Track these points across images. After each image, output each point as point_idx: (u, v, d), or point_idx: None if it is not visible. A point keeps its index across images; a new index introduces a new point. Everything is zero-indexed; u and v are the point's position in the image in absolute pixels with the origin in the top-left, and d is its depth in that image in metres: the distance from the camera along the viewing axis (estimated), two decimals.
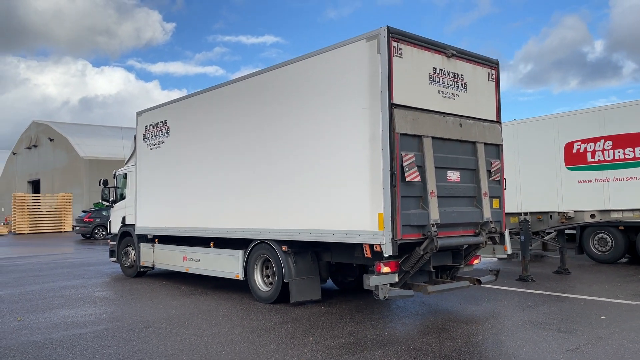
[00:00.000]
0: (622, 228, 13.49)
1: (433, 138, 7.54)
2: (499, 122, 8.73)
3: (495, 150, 8.56)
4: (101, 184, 14.22)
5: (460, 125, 7.98)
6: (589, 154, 14.09)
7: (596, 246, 14.02)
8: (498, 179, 8.52)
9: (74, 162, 44.79)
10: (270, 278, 9.25)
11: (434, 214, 7.34)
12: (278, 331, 7.27)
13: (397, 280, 7.53)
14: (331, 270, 9.65)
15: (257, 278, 9.34)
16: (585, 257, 14.53)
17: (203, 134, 10.42)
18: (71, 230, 37.35)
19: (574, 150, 14.36)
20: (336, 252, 8.78)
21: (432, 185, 7.39)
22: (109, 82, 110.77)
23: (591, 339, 6.56)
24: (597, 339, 6.52)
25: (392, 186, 7.00)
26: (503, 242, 8.70)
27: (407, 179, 7.11)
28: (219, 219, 9.94)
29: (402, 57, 7.30)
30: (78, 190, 43.13)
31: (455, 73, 8.05)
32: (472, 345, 6.38)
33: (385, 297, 7.24)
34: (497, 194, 8.49)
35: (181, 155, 11.06)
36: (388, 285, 7.34)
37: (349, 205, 7.58)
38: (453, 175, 7.85)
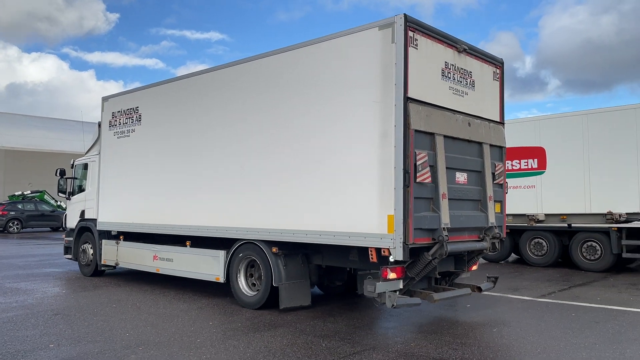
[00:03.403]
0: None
1: (444, 137, 7.10)
2: (502, 123, 8.41)
3: (499, 152, 8.23)
4: (57, 174, 13.01)
5: (469, 124, 7.58)
6: None
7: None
8: (501, 182, 8.20)
9: None
10: (255, 281, 8.56)
11: (445, 218, 6.90)
12: (182, 317, 7.79)
13: (401, 287, 7.04)
14: (319, 274, 9.06)
15: (242, 281, 8.62)
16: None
17: (183, 123, 9.59)
18: None
19: None
20: (328, 254, 8.21)
21: (443, 187, 6.95)
22: (41, 69, 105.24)
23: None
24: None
25: (405, 186, 6.50)
26: (500, 249, 8.37)
27: (418, 180, 6.63)
28: (198, 216, 9.15)
29: (417, 49, 6.81)
30: None
31: (464, 69, 7.64)
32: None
33: (393, 305, 6.73)
34: (500, 197, 8.16)
35: (155, 146, 10.17)
36: (397, 293, 6.83)
37: (353, 206, 7.02)
38: (461, 177, 7.44)
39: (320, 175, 7.43)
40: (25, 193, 33.70)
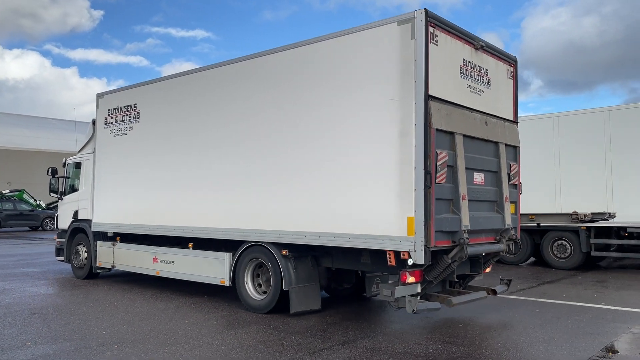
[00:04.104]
0: None
1: (464, 136, 6.90)
2: (516, 122, 8.24)
3: (514, 152, 8.06)
4: (49, 173, 12.55)
5: (486, 123, 7.40)
6: None
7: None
8: (516, 183, 8.03)
9: None
10: (262, 285, 8.28)
11: (465, 219, 6.70)
12: (159, 316, 7.86)
13: (419, 291, 6.82)
14: (327, 277, 8.80)
15: (249, 285, 8.32)
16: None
17: (186, 120, 9.25)
18: None
19: None
20: (338, 257, 7.96)
21: (463, 188, 6.75)
22: (23, 66, 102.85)
23: None
24: None
25: (427, 187, 6.28)
26: (518, 249, 8.19)
27: (439, 180, 6.42)
28: (203, 217, 8.83)
29: (437, 45, 6.59)
30: None
31: (481, 67, 7.45)
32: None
33: (414, 310, 6.51)
34: (514, 198, 7.99)
35: (156, 144, 9.82)
36: (418, 298, 6.61)
37: (370, 207, 6.77)
38: (478, 178, 7.25)
39: (333, 175, 7.17)
40: (3, 192, 32.91)
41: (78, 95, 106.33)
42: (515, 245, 7.95)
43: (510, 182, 7.81)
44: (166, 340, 6.53)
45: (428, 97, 6.35)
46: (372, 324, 7.58)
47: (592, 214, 12.41)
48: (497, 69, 7.83)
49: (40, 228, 31.12)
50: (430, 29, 6.47)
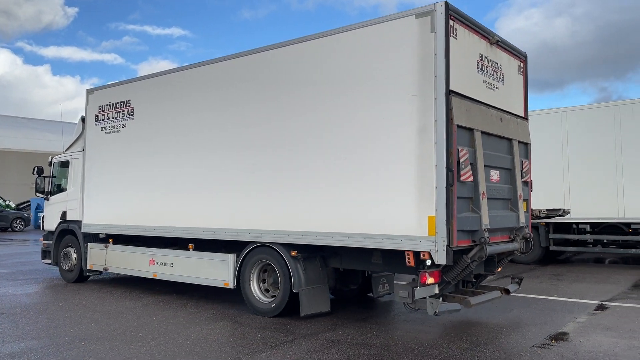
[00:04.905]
0: None
1: (482, 133, 6.74)
2: (527, 119, 8.12)
3: (525, 149, 7.94)
4: (35, 173, 12.02)
5: (501, 120, 7.25)
6: None
7: None
8: (528, 180, 7.92)
9: None
10: (269, 287, 8.01)
11: (485, 218, 6.54)
12: (127, 314, 7.98)
13: (437, 292, 6.63)
14: (335, 278, 8.56)
15: (254, 287, 8.03)
16: None
17: (186, 116, 8.88)
18: None
19: None
20: (348, 257, 7.73)
21: (482, 186, 6.59)
22: None
23: None
24: None
25: (449, 185, 6.08)
26: (529, 248, 8.08)
27: (462, 178, 6.24)
28: (204, 218, 8.49)
29: (457, 39, 6.41)
30: None
31: (495, 62, 7.31)
32: None
33: (435, 313, 6.32)
34: (526, 196, 7.87)
35: (152, 141, 9.43)
36: (440, 300, 6.42)
37: (386, 206, 6.55)
38: (494, 175, 7.10)
39: (346, 173, 6.93)
40: None
41: (51, 94, 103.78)
42: (527, 244, 7.85)
43: (522, 180, 7.69)
44: (133, 336, 6.68)
45: (449, 93, 6.16)
46: (334, 318, 7.61)
47: (547, 210, 12.71)
48: (510, 65, 7.70)
49: (9, 229, 30.17)
50: (451, 22, 6.29)
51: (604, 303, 8.83)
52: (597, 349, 6.15)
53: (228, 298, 8.94)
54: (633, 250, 13.47)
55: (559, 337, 6.71)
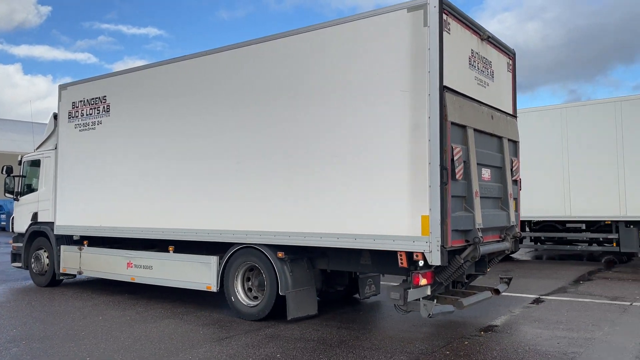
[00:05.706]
0: None
1: (474, 130, 6.59)
2: (515, 116, 8.03)
3: (514, 147, 7.84)
4: (4, 172, 11.47)
5: (492, 117, 7.13)
6: None
7: None
8: (517, 179, 7.82)
9: None
10: (254, 289, 7.73)
11: (478, 217, 6.40)
12: (74, 314, 8.02)
13: (429, 293, 6.46)
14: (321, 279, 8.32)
15: (239, 290, 7.74)
16: None
17: (166, 114, 8.53)
18: None
19: None
20: (336, 258, 7.52)
21: (476, 184, 6.44)
22: None
23: None
24: None
25: (443, 184, 5.91)
26: (518, 248, 7.99)
27: (457, 177, 6.08)
28: (185, 218, 8.16)
29: (450, 34, 6.24)
30: None
31: (486, 59, 7.18)
32: None
33: (429, 315, 6.14)
34: (515, 195, 7.77)
35: (128, 139, 9.05)
36: (434, 301, 6.25)
37: (378, 205, 6.35)
38: (486, 174, 6.97)
39: (337, 172, 6.71)
40: None
41: (21, 93, 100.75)
42: (516, 243, 7.77)
43: (512, 178, 7.59)
44: (75, 335, 6.73)
45: (443, 89, 5.99)
46: (279, 313, 7.41)
47: None
48: (499, 62, 7.59)
49: None
50: (444, 17, 6.12)
51: (541, 297, 9.14)
52: (520, 339, 6.47)
53: (179, 297, 9.03)
54: (579, 246, 14.49)
55: (489, 329, 6.96)
